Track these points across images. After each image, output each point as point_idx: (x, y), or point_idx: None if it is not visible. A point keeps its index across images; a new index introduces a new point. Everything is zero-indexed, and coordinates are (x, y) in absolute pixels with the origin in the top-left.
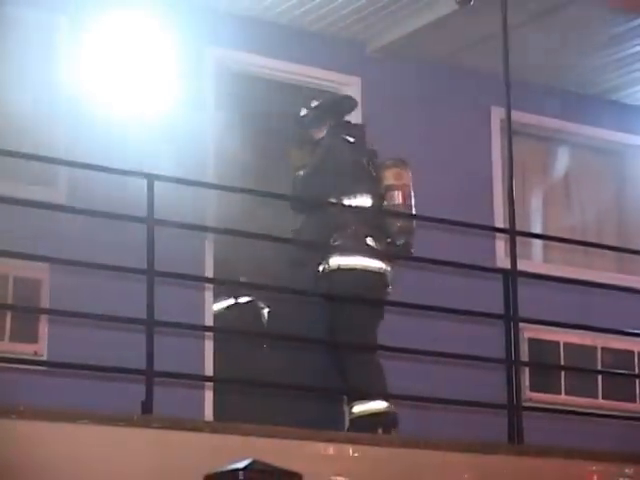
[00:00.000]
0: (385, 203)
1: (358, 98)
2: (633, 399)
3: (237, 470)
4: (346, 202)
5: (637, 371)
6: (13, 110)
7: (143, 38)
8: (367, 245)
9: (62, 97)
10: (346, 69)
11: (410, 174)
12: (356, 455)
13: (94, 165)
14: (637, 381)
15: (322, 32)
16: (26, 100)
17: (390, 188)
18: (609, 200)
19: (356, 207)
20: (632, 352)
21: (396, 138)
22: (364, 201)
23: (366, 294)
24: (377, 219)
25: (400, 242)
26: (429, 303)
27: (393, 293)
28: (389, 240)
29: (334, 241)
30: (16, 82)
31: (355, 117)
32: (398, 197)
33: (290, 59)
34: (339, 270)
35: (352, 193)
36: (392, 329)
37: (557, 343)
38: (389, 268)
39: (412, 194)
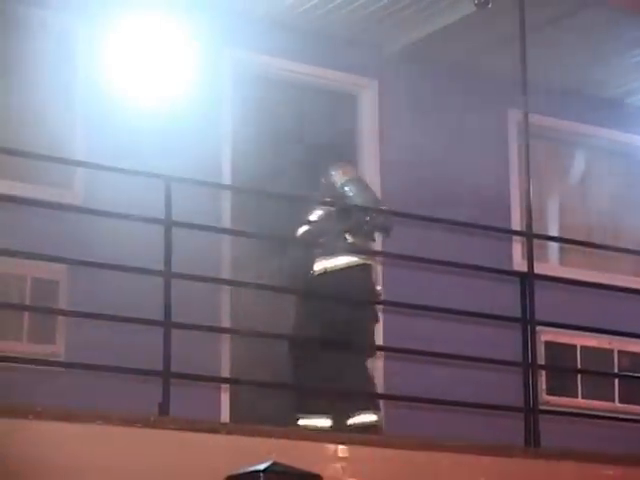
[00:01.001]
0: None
1: (375, 100)
2: None
3: (258, 472)
4: (312, 217)
5: None
6: (31, 112)
7: (161, 40)
8: (347, 242)
9: (80, 99)
10: (363, 71)
11: (356, 169)
12: (373, 457)
13: (112, 167)
14: None
15: (340, 35)
16: (44, 102)
17: (344, 185)
18: (626, 203)
19: (324, 211)
20: None
21: (413, 140)
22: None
23: (353, 291)
24: (348, 214)
25: (379, 219)
26: (446, 306)
27: (410, 295)
28: (368, 218)
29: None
30: (34, 84)
31: (372, 120)
32: (352, 189)
33: (308, 61)
34: (326, 273)
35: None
36: (407, 332)
37: (574, 346)
38: (371, 262)
39: (366, 184)
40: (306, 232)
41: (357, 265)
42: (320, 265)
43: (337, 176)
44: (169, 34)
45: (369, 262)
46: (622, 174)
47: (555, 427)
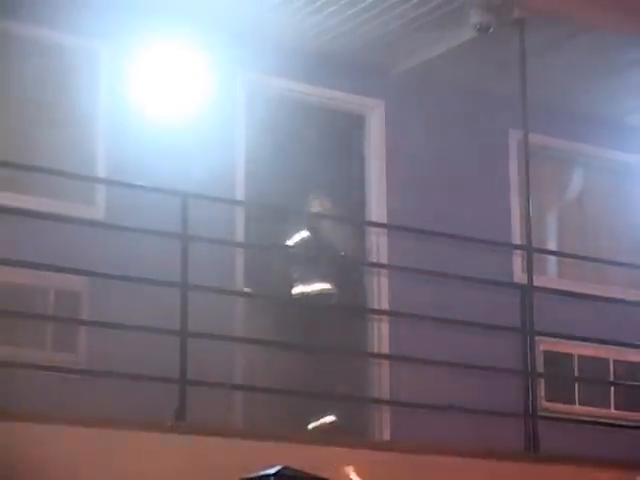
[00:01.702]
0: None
1: (382, 120)
2: None
3: (269, 476)
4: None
5: None
6: (56, 132)
7: (180, 64)
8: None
9: (103, 120)
10: (371, 93)
11: (333, 203)
12: (378, 460)
13: (132, 184)
14: None
15: (349, 58)
16: (69, 123)
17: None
18: (621, 218)
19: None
20: None
21: (418, 158)
22: (303, 234)
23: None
24: (322, 244)
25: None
26: (450, 316)
27: (417, 306)
28: (343, 253)
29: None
30: (61, 105)
31: (379, 139)
32: (325, 223)
33: (318, 83)
34: (304, 296)
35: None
36: (414, 341)
37: (571, 355)
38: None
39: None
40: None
41: (328, 293)
42: (298, 289)
43: (314, 207)
44: (187, 58)
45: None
46: (617, 190)
47: (553, 432)
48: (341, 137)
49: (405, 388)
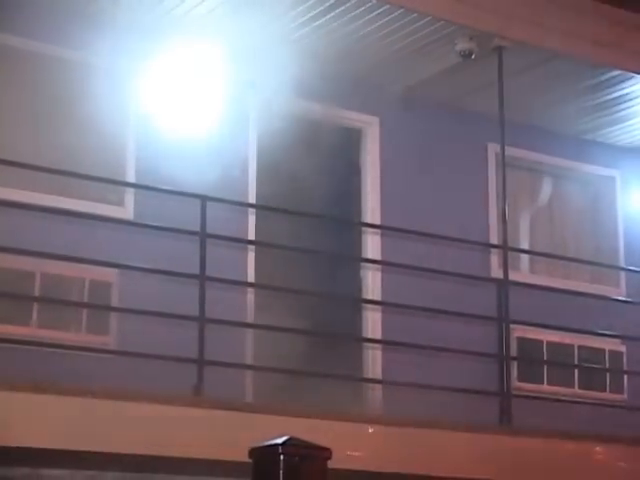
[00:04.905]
0: None
1: (377, 134)
2: (603, 389)
3: (277, 445)
4: None
5: (607, 365)
6: (93, 144)
7: (200, 81)
8: None
9: (132, 133)
10: (368, 109)
11: None
12: (373, 432)
13: (157, 188)
14: (607, 374)
15: (348, 78)
16: (103, 136)
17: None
18: (585, 221)
19: None
20: (603, 350)
21: (409, 168)
22: None
23: None
24: None
25: None
26: (436, 307)
27: (409, 298)
28: None
29: None
30: (96, 121)
31: (374, 150)
32: None
33: (321, 100)
34: None
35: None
36: (405, 329)
37: (541, 341)
38: None
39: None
40: None
41: None
42: None
43: None
44: (206, 76)
45: None
46: (582, 197)
47: (525, 409)
48: (341, 148)
49: (396, 369)
